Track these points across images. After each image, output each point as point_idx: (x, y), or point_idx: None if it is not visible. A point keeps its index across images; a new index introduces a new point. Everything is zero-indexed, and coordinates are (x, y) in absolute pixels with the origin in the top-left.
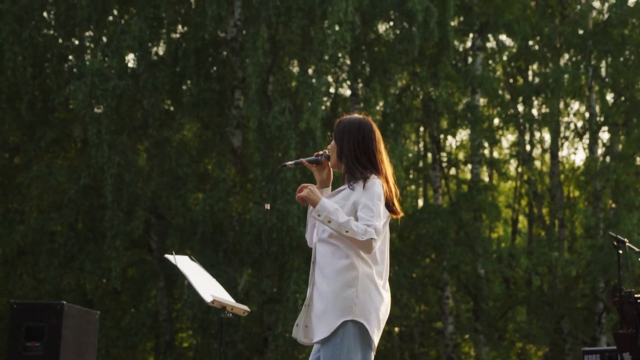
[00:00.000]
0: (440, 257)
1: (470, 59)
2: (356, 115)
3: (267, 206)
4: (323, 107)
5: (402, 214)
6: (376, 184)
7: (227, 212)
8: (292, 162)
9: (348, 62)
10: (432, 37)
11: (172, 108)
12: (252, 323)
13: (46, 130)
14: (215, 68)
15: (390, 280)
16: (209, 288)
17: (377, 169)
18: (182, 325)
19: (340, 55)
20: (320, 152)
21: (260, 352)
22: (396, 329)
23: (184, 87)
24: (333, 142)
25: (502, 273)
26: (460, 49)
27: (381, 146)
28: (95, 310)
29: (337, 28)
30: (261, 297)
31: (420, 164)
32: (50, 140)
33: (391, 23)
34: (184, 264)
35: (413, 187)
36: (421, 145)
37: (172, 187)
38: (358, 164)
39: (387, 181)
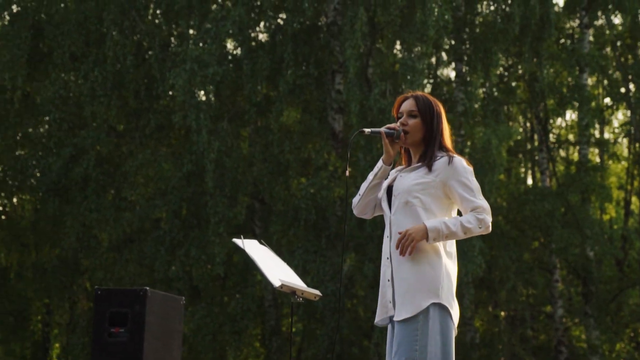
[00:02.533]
0: (548, 239)
1: (577, 38)
2: (425, 93)
3: (347, 172)
4: (425, 89)
5: None
6: (461, 161)
7: (329, 197)
8: (370, 129)
9: (449, 43)
10: (534, 15)
11: (271, 94)
12: (359, 307)
13: (150, 117)
14: (314, 53)
15: (497, 263)
16: (277, 272)
17: (448, 144)
18: (288, 310)
19: (441, 36)
20: (394, 126)
21: (368, 337)
22: (502, 313)
23: (283, 73)
24: (416, 121)
25: (614, 255)
26: (567, 27)
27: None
28: (180, 296)
29: (437, 9)
30: (342, 279)
31: (528, 146)
32: (154, 128)
33: (492, 2)
34: (252, 248)
35: (522, 169)
36: (528, 126)
37: (274, 173)
38: (443, 146)
39: None
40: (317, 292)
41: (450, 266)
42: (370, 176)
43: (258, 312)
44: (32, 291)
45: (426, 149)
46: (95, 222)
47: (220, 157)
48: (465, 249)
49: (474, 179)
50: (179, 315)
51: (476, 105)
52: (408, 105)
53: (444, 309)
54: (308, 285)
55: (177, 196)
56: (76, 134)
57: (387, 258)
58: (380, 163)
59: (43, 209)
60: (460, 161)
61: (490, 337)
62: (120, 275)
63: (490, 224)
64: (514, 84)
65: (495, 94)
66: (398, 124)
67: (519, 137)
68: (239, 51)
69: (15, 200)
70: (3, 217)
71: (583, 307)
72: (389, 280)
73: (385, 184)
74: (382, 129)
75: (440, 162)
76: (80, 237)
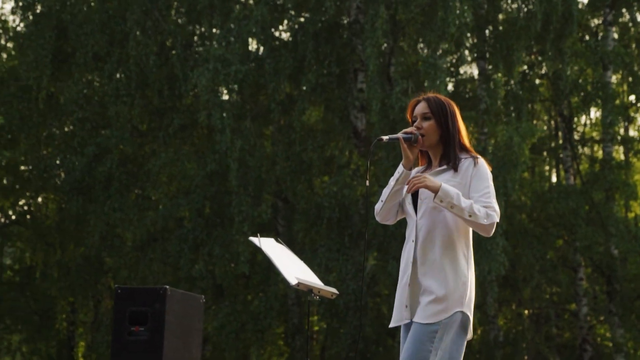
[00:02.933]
0: (572, 237)
1: (601, 35)
2: (436, 94)
3: (367, 182)
4: (446, 87)
5: None
6: (485, 164)
7: (352, 195)
8: (388, 137)
9: (471, 40)
10: (556, 12)
11: (294, 92)
12: (383, 305)
13: (173, 117)
14: (336, 51)
15: (521, 261)
16: (294, 270)
17: (466, 145)
18: (311, 308)
19: (463, 33)
20: (411, 130)
21: (392, 336)
22: (526, 312)
23: (305, 72)
24: (430, 123)
25: (638, 253)
26: (592, 24)
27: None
28: (200, 295)
29: (458, 6)
30: (365, 279)
31: (552, 144)
32: (177, 127)
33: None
34: (269, 246)
35: (546, 167)
36: (552, 124)
37: (297, 171)
38: (462, 145)
39: None
40: (334, 290)
41: (472, 274)
42: (392, 182)
43: (281, 310)
44: (57, 290)
45: (446, 150)
46: (118, 221)
47: (244, 156)
48: (488, 247)
49: (492, 184)
50: (198, 313)
51: (498, 103)
52: (421, 108)
53: (466, 318)
54: (331, 284)
55: (201, 195)
56: (99, 134)
57: (411, 262)
58: (400, 168)
59: (67, 208)
60: (484, 164)
61: (514, 336)
62: (144, 274)
63: (494, 226)
64: (537, 81)
65: (519, 90)
66: (414, 127)
67: (542, 134)
68: (261, 50)
69: (40, 199)
70: (28, 216)
71: (608, 305)
72: (409, 285)
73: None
74: (400, 134)
75: (466, 163)
76: (103, 236)
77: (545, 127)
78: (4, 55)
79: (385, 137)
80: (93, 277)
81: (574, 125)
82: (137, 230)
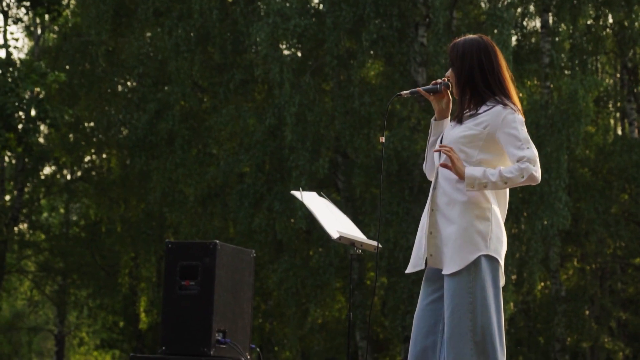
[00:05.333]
0: (636, 190)
1: None
2: (470, 35)
3: (382, 139)
4: (512, 40)
5: None
6: (515, 111)
7: (412, 149)
8: (408, 91)
9: None
10: None
11: (354, 47)
12: None
13: (234, 72)
14: (397, 5)
15: (582, 216)
16: (336, 224)
17: (505, 91)
18: (372, 264)
19: None
20: (439, 80)
21: None
22: (589, 267)
23: (366, 25)
24: (452, 70)
25: None
26: None
27: (505, 66)
28: (250, 249)
29: None
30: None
31: (617, 97)
32: (238, 82)
33: None
34: (311, 200)
35: (611, 120)
36: (618, 76)
37: (356, 126)
38: (485, 87)
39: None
40: (375, 243)
41: (500, 221)
42: (428, 137)
43: (341, 266)
44: (120, 245)
45: (468, 97)
46: (180, 176)
47: (302, 111)
48: (551, 200)
49: (523, 128)
50: (249, 267)
51: (562, 56)
52: (449, 55)
53: (493, 260)
54: (390, 238)
55: (261, 150)
56: (161, 90)
57: (432, 209)
58: (432, 120)
59: (130, 165)
60: (512, 112)
61: (576, 291)
62: (205, 229)
63: (535, 174)
64: (603, 33)
65: (583, 43)
66: (445, 75)
67: (607, 87)
68: (321, 5)
69: (104, 155)
70: (92, 173)
71: None
72: (431, 233)
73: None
74: (420, 88)
75: (490, 112)
76: (165, 192)
77: (609, 80)
78: (67, 13)
79: (405, 92)
80: (156, 232)
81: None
82: (198, 185)
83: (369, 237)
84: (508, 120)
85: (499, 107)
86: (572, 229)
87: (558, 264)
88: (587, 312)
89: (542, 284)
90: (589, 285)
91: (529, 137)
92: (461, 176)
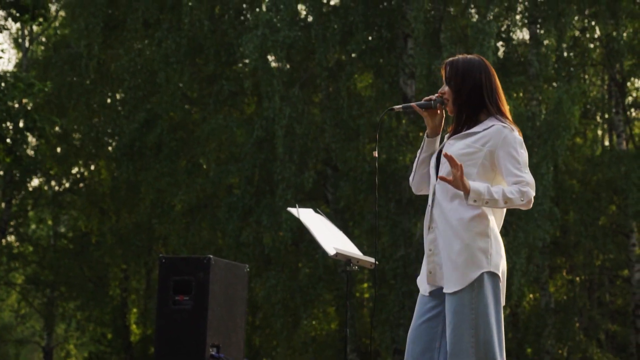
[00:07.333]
0: (624, 202)
1: None
2: (467, 55)
3: (375, 153)
4: (498, 52)
5: None
6: (514, 130)
7: (400, 161)
8: (401, 106)
9: (522, 5)
10: None
11: (343, 58)
12: None
13: (223, 83)
14: (386, 16)
15: (571, 227)
16: (332, 240)
17: (501, 111)
18: (361, 276)
19: None
20: (433, 97)
21: None
22: (578, 278)
23: (354, 36)
24: (448, 87)
25: None
26: None
27: (499, 85)
28: (244, 264)
29: None
30: (377, 253)
31: (604, 108)
32: (227, 94)
33: None
34: (307, 216)
35: (599, 131)
36: (605, 88)
37: (345, 138)
38: (484, 106)
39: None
40: (372, 260)
41: (499, 237)
42: (418, 152)
43: (329, 279)
44: (111, 257)
45: (466, 115)
46: (168, 187)
47: (291, 123)
48: (534, 213)
49: (524, 150)
50: (242, 282)
51: (549, 68)
52: (443, 72)
53: (494, 276)
54: (379, 250)
55: (250, 162)
56: (150, 101)
57: (430, 227)
58: (425, 136)
59: (119, 175)
60: (511, 131)
61: (565, 302)
62: (193, 240)
63: (532, 199)
64: (591, 45)
65: (571, 54)
66: (438, 92)
67: (593, 96)
68: (310, 17)
69: (92, 167)
70: (81, 184)
71: None
72: (430, 250)
73: (437, 149)
74: (414, 103)
75: (491, 130)
76: (154, 203)
77: (594, 92)
78: (56, 24)
79: (397, 107)
80: (145, 244)
81: (627, 89)
82: (186, 196)
83: (359, 250)
84: (509, 139)
85: (499, 126)
86: (561, 240)
87: (547, 276)
88: (577, 325)
89: (532, 295)
90: (578, 297)
91: (527, 161)
92: (466, 190)
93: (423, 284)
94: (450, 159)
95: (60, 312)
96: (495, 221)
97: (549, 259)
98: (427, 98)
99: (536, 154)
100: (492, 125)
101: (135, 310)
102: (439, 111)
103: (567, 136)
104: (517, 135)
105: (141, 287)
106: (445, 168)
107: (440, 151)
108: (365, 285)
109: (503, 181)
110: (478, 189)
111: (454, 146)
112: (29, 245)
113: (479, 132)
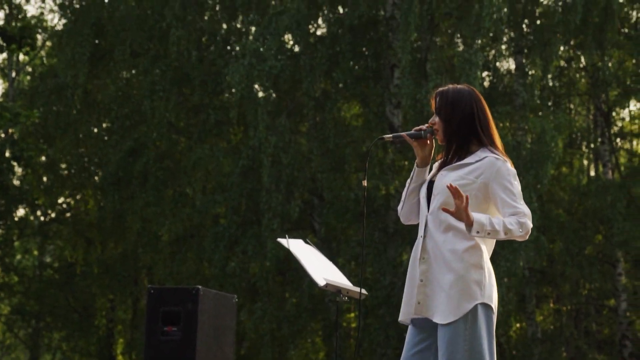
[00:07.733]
0: (610, 232)
1: None
2: (457, 85)
3: (365, 182)
4: (484, 82)
5: None
6: (506, 162)
7: (386, 190)
8: (391, 135)
9: (509, 35)
10: (596, 5)
11: (329, 88)
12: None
13: (210, 112)
14: (373, 47)
15: (557, 256)
16: (322, 271)
17: (492, 141)
18: (348, 305)
19: (498, 28)
20: (423, 127)
21: None
22: (564, 308)
23: (341, 66)
24: (439, 119)
25: None
26: (632, 17)
27: (490, 116)
28: (232, 294)
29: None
30: (362, 282)
31: (590, 138)
32: (213, 123)
33: None
34: (297, 247)
35: (585, 161)
36: (590, 118)
37: (332, 168)
38: (475, 137)
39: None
40: (362, 290)
41: (491, 268)
42: (408, 181)
43: (317, 309)
44: (97, 287)
45: (456, 145)
46: (154, 217)
47: (277, 152)
48: (514, 244)
49: (517, 182)
50: (231, 313)
51: (535, 98)
52: (433, 103)
53: (488, 308)
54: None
55: (237, 192)
56: (136, 131)
57: (422, 258)
58: (415, 166)
59: (105, 204)
60: (505, 163)
61: (552, 332)
62: (179, 270)
63: (530, 230)
64: (577, 75)
65: (556, 84)
66: (428, 123)
67: (578, 126)
68: (297, 47)
69: (79, 197)
70: (67, 214)
71: None
72: (422, 281)
73: (428, 179)
74: (404, 133)
75: (484, 162)
76: (140, 233)
77: (581, 122)
78: (43, 54)
79: (387, 136)
80: (131, 274)
81: (613, 119)
82: (172, 226)
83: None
84: (502, 172)
85: (492, 158)
86: (548, 269)
87: (534, 305)
88: (564, 354)
89: (518, 325)
90: (564, 326)
91: (521, 193)
92: (469, 222)
93: (405, 313)
94: (455, 190)
95: (45, 343)
96: (487, 252)
97: (535, 288)
98: (417, 128)
99: (520, 183)
100: (485, 157)
101: (121, 340)
102: (428, 141)
103: (551, 166)
104: (509, 166)
105: (127, 317)
106: (439, 199)
107: (431, 181)
108: (352, 314)
109: (497, 212)
110: (481, 220)
111: (447, 177)
112: (14, 275)
113: (472, 164)
